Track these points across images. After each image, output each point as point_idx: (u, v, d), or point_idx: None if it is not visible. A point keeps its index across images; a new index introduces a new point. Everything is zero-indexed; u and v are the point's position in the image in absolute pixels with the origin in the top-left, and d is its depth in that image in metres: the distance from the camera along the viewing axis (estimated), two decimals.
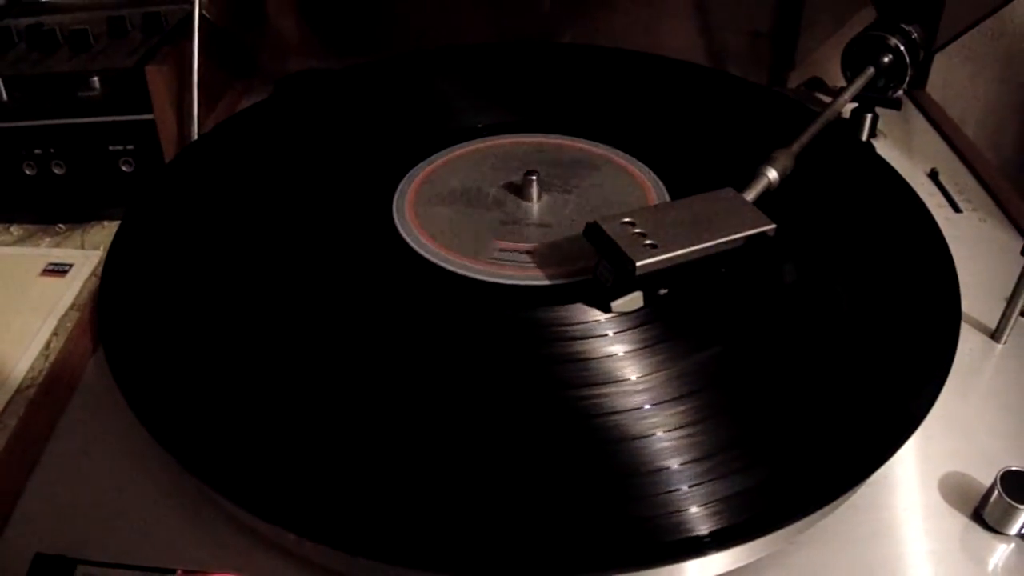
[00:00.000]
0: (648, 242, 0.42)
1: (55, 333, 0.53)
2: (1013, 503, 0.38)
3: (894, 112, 0.71)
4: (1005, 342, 0.50)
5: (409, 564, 0.34)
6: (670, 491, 0.36)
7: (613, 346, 0.42)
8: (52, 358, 0.51)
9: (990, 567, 0.38)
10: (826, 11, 0.79)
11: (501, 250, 0.48)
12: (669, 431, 0.38)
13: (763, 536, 0.35)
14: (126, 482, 0.42)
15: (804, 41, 0.81)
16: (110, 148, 0.63)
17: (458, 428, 0.39)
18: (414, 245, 0.49)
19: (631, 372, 0.41)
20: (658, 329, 0.43)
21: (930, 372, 0.41)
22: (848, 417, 0.40)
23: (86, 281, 0.58)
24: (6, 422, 0.47)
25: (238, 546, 0.39)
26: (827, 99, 0.77)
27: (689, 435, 0.38)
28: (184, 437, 0.38)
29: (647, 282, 0.43)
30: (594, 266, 0.44)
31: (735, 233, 0.44)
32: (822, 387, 0.41)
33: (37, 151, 0.63)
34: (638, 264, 0.41)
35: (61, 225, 0.64)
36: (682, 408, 0.39)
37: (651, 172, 0.56)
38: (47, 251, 0.62)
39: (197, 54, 0.65)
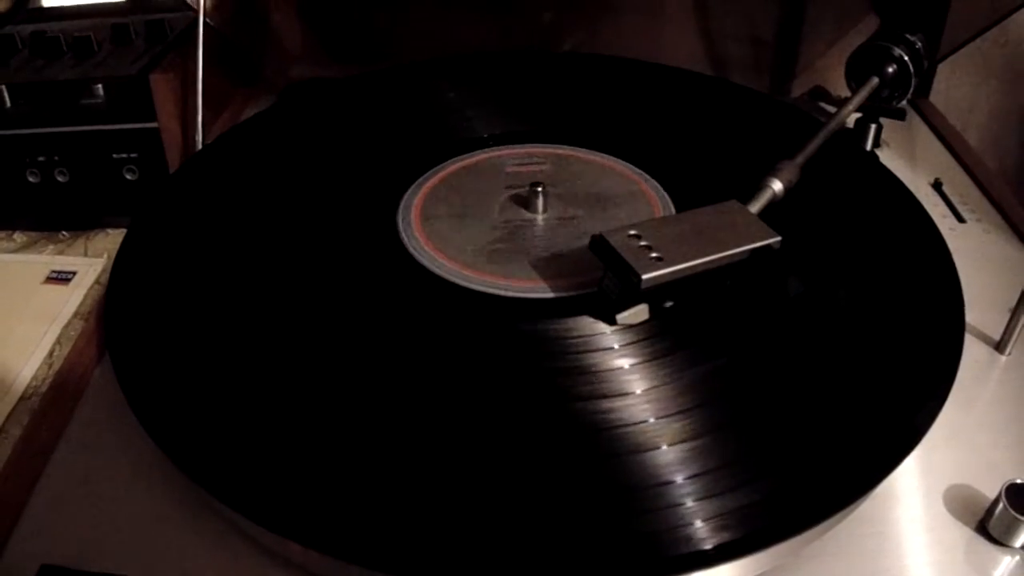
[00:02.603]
0: (654, 255, 0.42)
1: (58, 341, 0.53)
2: (1018, 516, 0.38)
3: (898, 122, 0.71)
4: (1009, 353, 0.50)
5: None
6: (674, 505, 0.36)
7: (618, 359, 0.42)
8: (56, 366, 0.51)
9: None
10: (828, 19, 0.79)
11: (506, 262, 0.48)
12: (673, 444, 0.38)
13: (767, 549, 0.35)
14: (131, 493, 0.42)
15: (806, 50, 0.81)
16: (114, 156, 0.63)
17: (461, 440, 0.39)
18: (419, 256, 0.49)
19: (636, 385, 0.41)
20: (663, 342, 0.43)
21: (934, 383, 0.42)
22: (852, 429, 0.40)
23: (90, 289, 0.58)
24: (9, 431, 0.47)
25: (243, 558, 0.39)
26: (831, 109, 0.77)
27: (694, 448, 0.38)
28: (190, 447, 0.38)
29: (652, 295, 0.43)
30: (600, 279, 0.44)
31: (740, 246, 0.44)
32: (826, 399, 0.41)
33: (40, 158, 0.63)
34: (644, 277, 0.41)
35: (64, 232, 0.64)
36: (687, 421, 0.39)
37: (656, 184, 0.56)
38: (50, 259, 0.62)
39: (201, 62, 0.64)
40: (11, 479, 0.42)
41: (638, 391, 0.40)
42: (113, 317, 0.47)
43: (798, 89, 0.82)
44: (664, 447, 0.38)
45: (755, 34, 0.81)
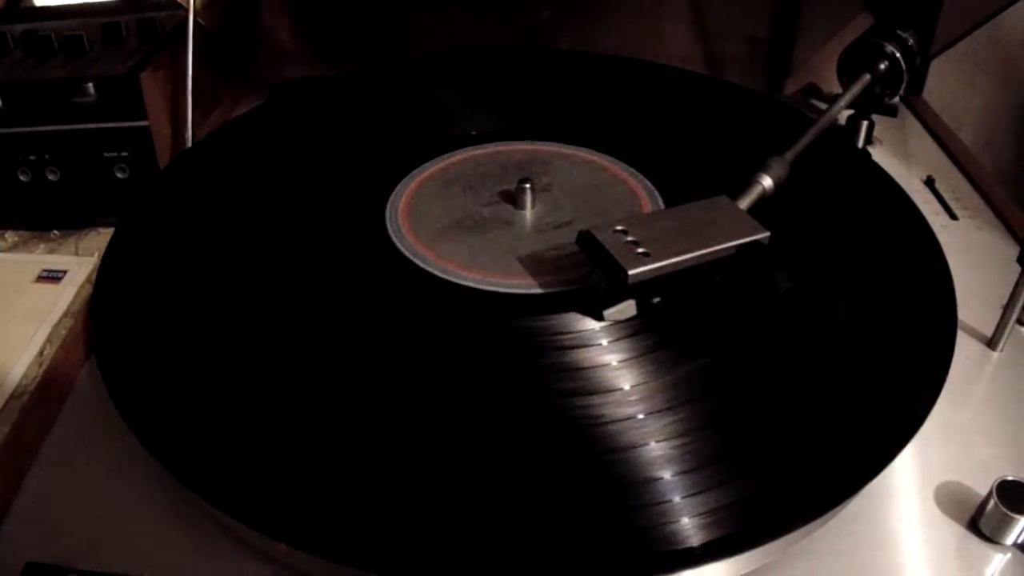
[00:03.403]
0: (641, 250, 0.42)
1: (49, 340, 0.53)
2: (1009, 513, 0.38)
3: (890, 119, 0.71)
4: (1001, 350, 0.50)
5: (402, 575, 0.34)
6: (663, 502, 0.36)
7: (606, 355, 0.42)
8: (46, 365, 0.50)
9: None
10: (822, 17, 0.79)
11: (494, 258, 0.48)
12: (662, 441, 0.38)
13: (757, 547, 0.35)
14: (117, 491, 0.42)
15: (800, 47, 0.81)
16: (104, 154, 0.63)
17: (449, 437, 0.39)
18: (407, 253, 0.49)
19: (624, 381, 0.40)
20: (651, 338, 0.42)
21: (926, 381, 0.41)
22: (844, 426, 0.39)
23: (80, 288, 0.58)
24: (0, 429, 0.46)
25: (229, 556, 0.39)
26: (823, 106, 0.76)
27: (682, 445, 0.38)
28: (175, 447, 0.38)
29: (640, 290, 0.43)
30: (587, 274, 0.44)
31: (728, 241, 0.44)
32: (817, 396, 0.41)
33: (32, 157, 0.63)
34: (630, 273, 0.41)
35: (55, 231, 0.64)
36: (676, 418, 0.39)
37: (646, 180, 0.56)
38: (41, 257, 0.62)
39: (191, 61, 0.64)
40: None
41: (626, 387, 0.40)
42: (100, 317, 0.46)
43: (793, 86, 0.82)
44: (652, 443, 0.38)
45: (750, 32, 0.81)
